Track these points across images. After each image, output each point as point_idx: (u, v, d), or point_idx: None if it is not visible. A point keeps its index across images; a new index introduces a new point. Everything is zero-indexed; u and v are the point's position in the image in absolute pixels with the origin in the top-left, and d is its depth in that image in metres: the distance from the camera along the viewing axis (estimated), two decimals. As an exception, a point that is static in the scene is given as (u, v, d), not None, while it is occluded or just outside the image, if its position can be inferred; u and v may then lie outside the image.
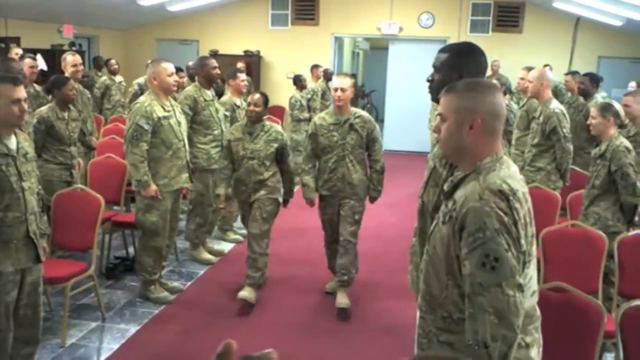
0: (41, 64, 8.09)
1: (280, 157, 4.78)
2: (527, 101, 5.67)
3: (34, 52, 7.62)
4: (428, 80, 2.50)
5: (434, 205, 2.36)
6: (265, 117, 4.82)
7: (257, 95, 4.69)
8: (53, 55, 9.08)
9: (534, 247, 1.93)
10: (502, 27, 11.91)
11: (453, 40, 11.75)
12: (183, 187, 4.79)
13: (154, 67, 4.58)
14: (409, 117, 11.97)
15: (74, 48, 10.06)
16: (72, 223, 4.28)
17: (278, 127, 4.81)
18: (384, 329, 4.34)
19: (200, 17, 12.63)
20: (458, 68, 2.36)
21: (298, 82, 9.70)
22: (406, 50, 12.37)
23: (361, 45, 17.55)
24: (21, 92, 3.03)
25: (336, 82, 4.59)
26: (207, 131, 5.46)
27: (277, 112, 11.46)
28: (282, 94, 11.67)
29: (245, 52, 12.36)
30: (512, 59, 11.09)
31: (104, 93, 9.07)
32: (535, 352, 1.96)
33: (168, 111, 4.55)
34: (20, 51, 6.84)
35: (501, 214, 1.78)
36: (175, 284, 4.98)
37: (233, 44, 12.41)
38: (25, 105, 3.08)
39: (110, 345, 3.95)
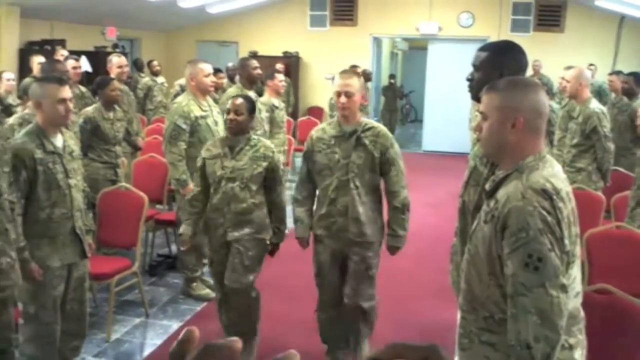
0: (85, 65, 8.28)
1: (269, 182, 3.66)
2: (569, 101, 5.59)
3: (79, 54, 7.82)
4: (468, 79, 2.49)
5: (474, 204, 2.35)
6: (250, 128, 3.79)
7: (239, 100, 3.63)
8: (97, 57, 9.29)
9: (578, 248, 1.91)
10: (543, 27, 11.72)
11: (493, 39, 11.61)
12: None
13: (192, 68, 4.67)
14: (448, 118, 11.88)
15: (117, 50, 10.28)
16: (116, 221, 4.37)
17: (268, 143, 3.77)
18: (425, 329, 4.33)
19: (240, 18, 12.75)
20: (498, 66, 2.35)
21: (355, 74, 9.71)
22: (445, 50, 12.28)
23: (400, 45, 17.48)
24: (66, 92, 3.13)
25: (339, 83, 3.33)
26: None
27: (316, 113, 11.52)
28: (321, 94, 11.72)
29: (284, 53, 12.44)
30: (554, 58, 10.91)
31: (146, 94, 9.24)
32: (579, 354, 1.94)
33: (205, 111, 4.63)
34: (65, 53, 7.02)
35: (544, 213, 1.76)
36: (207, 291, 5.04)
37: (272, 45, 12.50)
38: (71, 105, 3.18)
39: (153, 340, 4.03)
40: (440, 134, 12.38)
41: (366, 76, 10.85)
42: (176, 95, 7.80)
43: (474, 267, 1.96)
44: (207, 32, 13.08)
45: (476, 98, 2.31)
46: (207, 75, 4.65)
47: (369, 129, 3.39)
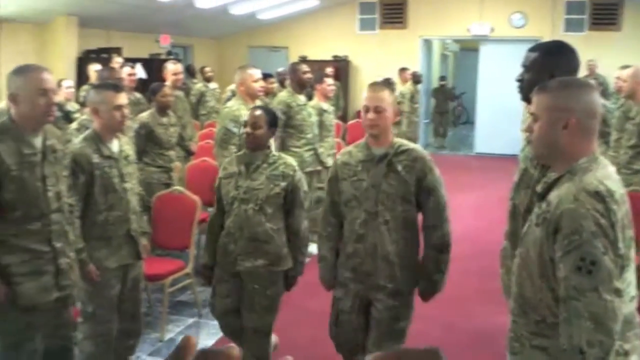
0: (140, 72, 8.51)
1: (288, 205, 3.25)
2: (626, 101, 5.43)
3: (134, 61, 8.04)
4: (517, 80, 2.47)
5: (525, 207, 2.32)
6: (269, 143, 3.35)
7: (257, 112, 3.27)
8: (151, 64, 9.53)
9: (633, 251, 1.86)
10: (598, 25, 11.41)
11: (546, 40, 11.36)
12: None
13: (241, 73, 4.77)
14: (501, 120, 11.70)
15: (170, 57, 10.51)
16: (170, 223, 4.48)
17: (289, 160, 3.34)
18: (474, 333, 4.28)
19: (290, 24, 12.87)
20: (549, 67, 2.31)
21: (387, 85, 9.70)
22: (497, 51, 12.09)
23: (451, 47, 17.32)
24: (122, 99, 3.23)
25: (368, 96, 2.84)
26: (300, 135, 5.59)
27: (365, 116, 11.51)
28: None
29: (334, 57, 12.48)
30: (610, 58, 10.59)
31: (199, 99, 9.40)
32: (635, 360, 1.89)
33: (255, 115, 4.71)
34: (120, 60, 7.24)
35: (598, 216, 1.73)
36: (267, 283, 5.11)
37: (322, 50, 12.56)
38: (127, 111, 3.28)
39: (206, 341, 4.10)
40: (492, 136, 12.21)
41: (416, 78, 10.83)
42: (227, 100, 7.94)
43: (525, 270, 1.94)
44: (258, 37, 13.25)
45: (526, 99, 2.29)
46: (255, 81, 4.73)
47: (403, 151, 2.85)
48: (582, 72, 10.41)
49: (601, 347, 1.70)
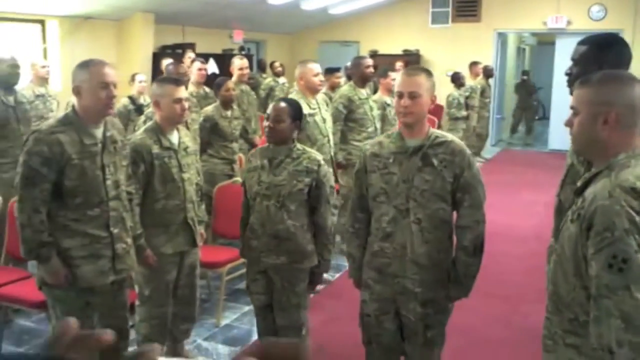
0: (212, 67, 8.76)
1: (313, 201, 3.14)
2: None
3: (207, 56, 8.28)
4: (566, 74, 2.41)
5: (570, 203, 2.28)
6: (294, 137, 3.22)
7: (281, 104, 3.17)
8: (224, 59, 9.76)
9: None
10: (686, 16, 10.83)
11: (628, 32, 10.89)
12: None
13: (301, 68, 4.85)
14: (577, 116, 11.29)
15: (242, 52, 10.74)
16: (231, 213, 4.59)
17: (314, 154, 3.22)
18: (535, 332, 4.19)
19: (361, 18, 12.87)
20: (597, 61, 2.26)
21: (456, 79, 9.59)
22: (575, 44, 11.64)
23: (527, 40, 16.82)
24: (182, 92, 3.36)
25: (401, 81, 2.65)
26: (361, 129, 5.61)
27: (435, 111, 11.36)
28: (441, 92, 11.51)
29: (404, 51, 12.39)
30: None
31: (268, 94, 9.59)
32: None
33: (314, 109, 4.79)
34: (192, 55, 7.46)
35: (632, 213, 1.69)
36: (324, 275, 5.18)
37: (393, 44, 12.49)
38: (186, 104, 3.41)
39: (260, 328, 4.21)
40: (567, 132, 11.75)
41: (487, 72, 10.62)
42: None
43: (560, 268, 1.91)
44: (329, 32, 13.32)
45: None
46: (315, 75, 4.80)
47: (441, 143, 2.64)
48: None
49: (631, 347, 1.66)
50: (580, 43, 2.40)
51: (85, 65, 2.84)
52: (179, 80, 3.63)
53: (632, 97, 1.83)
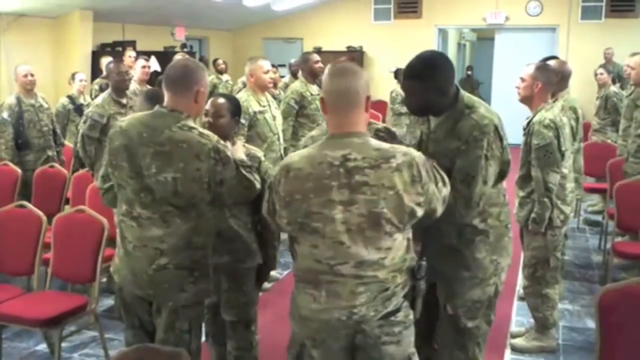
0: (154, 65, 8.60)
1: (256, 198, 2.82)
2: (635, 89, 5.33)
3: (148, 54, 8.11)
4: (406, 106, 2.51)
5: None
6: (234, 133, 3.13)
7: (220, 100, 3.01)
8: (166, 57, 9.60)
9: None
10: (616, 12, 11.21)
11: (563, 28, 11.28)
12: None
13: (251, 65, 4.80)
14: (516, 110, 11.58)
15: (185, 49, 10.59)
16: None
17: (255, 151, 3.12)
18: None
19: (304, 15, 12.87)
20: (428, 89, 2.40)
21: (399, 75, 9.70)
22: (513, 40, 11.96)
23: (467, 36, 17.16)
24: None
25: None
26: (312, 125, 5.60)
27: (380, 107, 11.48)
28: (385, 88, 11.62)
29: (348, 47, 12.47)
30: (628, 45, 10.42)
31: (211, 91, 9.46)
32: None
33: (264, 106, 4.75)
34: (133, 54, 7.32)
35: None
36: (272, 272, 5.15)
37: (336, 41, 12.55)
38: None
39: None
40: (508, 127, 12.01)
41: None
42: (238, 91, 8.00)
43: None
44: (273, 29, 13.27)
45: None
46: (266, 72, 4.76)
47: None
48: (599, 61, 10.16)
49: None
50: (406, 78, 2.46)
51: None
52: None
53: None
